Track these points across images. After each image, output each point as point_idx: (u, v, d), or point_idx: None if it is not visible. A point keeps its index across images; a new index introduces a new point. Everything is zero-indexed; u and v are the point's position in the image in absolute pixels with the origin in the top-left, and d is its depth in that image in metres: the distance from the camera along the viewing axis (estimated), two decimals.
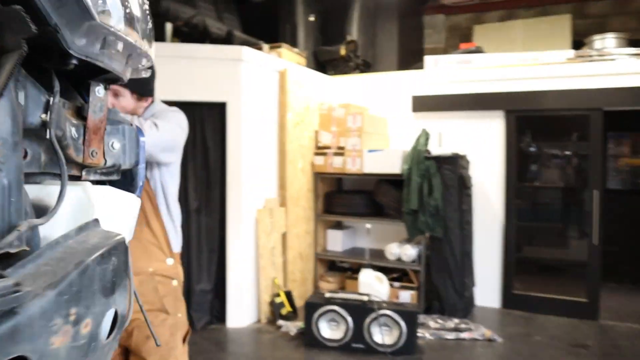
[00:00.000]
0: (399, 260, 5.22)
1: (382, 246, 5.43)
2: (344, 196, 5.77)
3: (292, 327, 4.53)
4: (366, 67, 6.71)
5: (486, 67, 5.49)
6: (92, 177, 0.85)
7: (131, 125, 0.88)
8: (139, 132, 0.89)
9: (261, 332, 4.64)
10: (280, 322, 4.66)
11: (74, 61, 0.64)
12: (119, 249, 0.61)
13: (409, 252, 5.15)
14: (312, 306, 4.22)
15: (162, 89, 4.78)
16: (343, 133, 5.48)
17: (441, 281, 4.97)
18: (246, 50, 4.78)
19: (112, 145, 0.83)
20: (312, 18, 6.55)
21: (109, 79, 0.85)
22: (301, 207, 5.40)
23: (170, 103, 4.96)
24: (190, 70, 4.66)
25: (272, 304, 4.81)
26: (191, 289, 4.59)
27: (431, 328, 4.56)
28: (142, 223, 2.03)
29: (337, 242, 5.78)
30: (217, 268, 4.72)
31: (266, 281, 4.85)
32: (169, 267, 2.10)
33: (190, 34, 5.36)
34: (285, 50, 5.59)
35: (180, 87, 4.65)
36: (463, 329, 4.55)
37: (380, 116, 5.86)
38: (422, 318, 4.66)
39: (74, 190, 0.69)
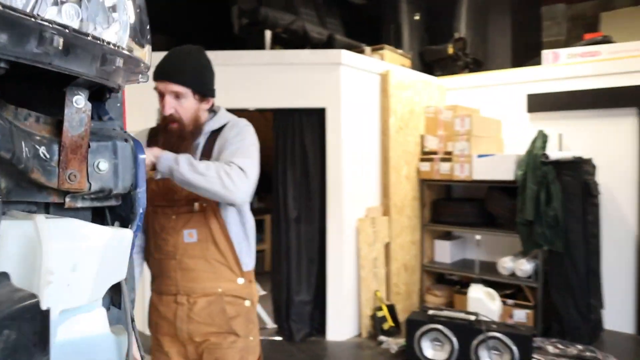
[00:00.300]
0: (513, 275, 4.74)
1: (494, 259, 4.98)
2: (452, 204, 5.39)
3: (394, 343, 4.27)
4: (476, 65, 6.27)
5: (615, 59, 4.84)
6: (79, 204, 0.70)
7: (126, 141, 0.72)
8: (138, 147, 0.72)
9: (361, 347, 4.43)
10: (382, 337, 4.42)
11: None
12: (24, 317, 0.44)
13: (524, 266, 4.66)
14: (415, 323, 3.93)
15: (260, 97, 4.79)
16: (451, 137, 5.12)
17: (562, 300, 4.43)
18: (346, 53, 4.62)
19: (97, 166, 0.67)
20: (417, 17, 6.25)
21: (97, 86, 0.69)
22: (406, 216, 5.12)
23: (269, 110, 4.99)
24: (288, 76, 4.59)
25: (373, 317, 4.57)
26: (290, 300, 4.50)
27: (549, 354, 4.06)
28: (208, 240, 1.89)
29: (445, 253, 5.42)
30: (317, 279, 4.59)
31: (368, 294, 4.63)
32: (239, 287, 1.94)
33: (290, 40, 5.31)
34: (387, 51, 5.36)
35: (279, 94, 4.59)
36: (588, 357, 3.99)
37: (491, 118, 5.41)
38: (538, 341, 4.17)
39: (21, 226, 0.54)
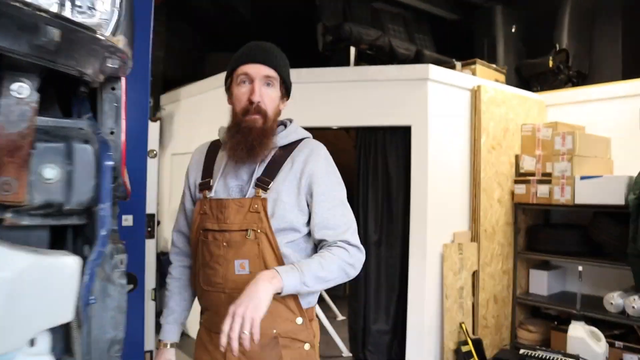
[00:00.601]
0: (623, 313, 4.18)
1: (599, 293, 4.44)
2: (551, 231, 4.90)
3: None
4: (580, 79, 5.74)
5: None
6: (26, 222, 0.56)
7: (87, 142, 0.56)
8: (104, 151, 0.57)
9: None
10: None
11: None
12: None
13: (636, 304, 4.11)
14: None
15: (344, 115, 4.66)
16: (550, 157, 4.68)
17: None
18: (433, 68, 4.38)
19: (42, 173, 0.53)
20: (513, 29, 5.85)
21: (51, 73, 0.55)
22: (497, 242, 4.73)
23: (352, 129, 4.84)
24: (373, 93, 4.42)
25: (457, 352, 4.22)
26: (367, 328, 4.28)
27: None
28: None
29: (541, 284, 4.93)
30: (396, 307, 4.33)
31: (452, 326, 4.30)
32: (298, 328, 1.68)
33: (376, 56, 5.16)
34: (479, 66, 5.03)
35: (362, 112, 4.44)
36: None
37: (598, 136, 4.89)
38: None
39: None
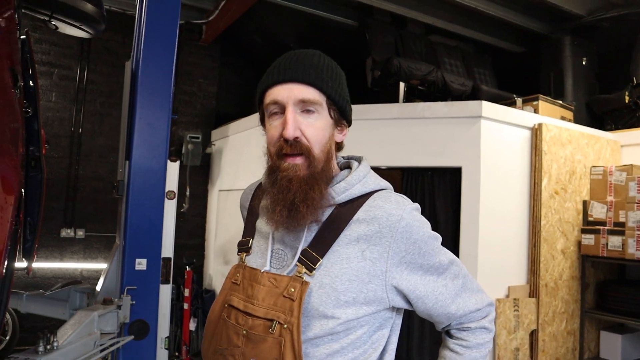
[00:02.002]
0: None
1: None
2: (625, 289, 4.31)
3: None
4: None
5: None
6: None
7: None
8: None
9: None
10: None
11: None
12: None
13: None
14: None
15: (389, 154, 4.38)
16: (623, 205, 4.15)
17: None
18: (487, 105, 4.03)
19: None
20: (584, 62, 5.38)
21: None
22: (561, 298, 4.21)
23: (397, 169, 4.54)
24: (420, 131, 4.13)
25: None
26: None
27: None
28: None
29: (614, 349, 4.32)
30: None
31: None
32: None
33: (430, 92, 4.87)
34: (542, 102, 4.62)
35: (409, 151, 4.14)
36: None
37: None
38: None
39: None
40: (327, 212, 1.20)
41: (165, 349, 3.35)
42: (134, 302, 2.71)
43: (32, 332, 4.89)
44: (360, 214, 1.19)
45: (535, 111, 4.56)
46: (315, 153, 1.17)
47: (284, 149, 1.17)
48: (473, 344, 1.28)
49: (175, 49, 2.90)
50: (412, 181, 4.22)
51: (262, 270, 1.24)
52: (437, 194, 4.13)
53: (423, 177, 4.19)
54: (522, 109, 4.56)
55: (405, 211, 1.19)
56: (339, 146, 1.30)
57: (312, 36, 5.80)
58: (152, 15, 2.85)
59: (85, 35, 2.39)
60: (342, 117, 1.24)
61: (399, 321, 1.31)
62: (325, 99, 1.19)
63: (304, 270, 1.17)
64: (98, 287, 2.84)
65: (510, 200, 4.12)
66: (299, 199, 1.15)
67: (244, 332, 1.20)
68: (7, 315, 4.62)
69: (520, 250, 4.14)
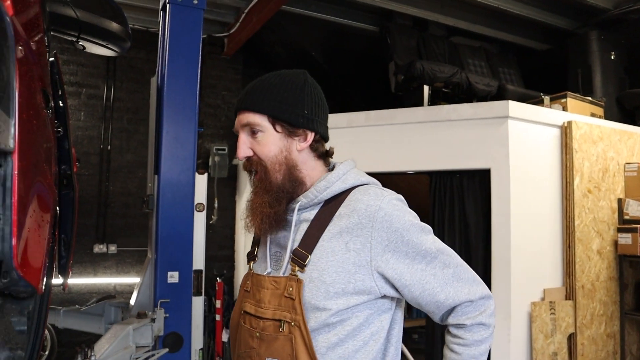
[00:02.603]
0: None
1: None
2: None
3: None
4: None
5: None
6: None
7: None
8: None
9: None
10: None
11: None
12: None
13: None
14: None
15: (415, 158, 4.34)
16: None
17: None
18: (514, 105, 3.96)
19: None
20: (612, 56, 5.26)
21: None
22: (599, 300, 4.10)
23: (424, 173, 4.49)
24: (446, 134, 4.09)
25: None
26: None
27: None
28: None
29: None
30: None
31: None
32: None
33: (455, 94, 4.82)
34: (571, 99, 4.53)
35: (436, 155, 4.10)
36: None
37: None
38: None
39: None
40: (315, 211, 1.31)
41: None
42: (167, 315, 2.73)
43: (69, 346, 4.98)
44: (341, 208, 1.29)
45: (564, 109, 4.47)
46: (267, 166, 1.31)
47: (246, 167, 1.36)
48: (471, 341, 1.27)
49: (199, 63, 2.94)
50: (441, 185, 4.17)
51: (264, 274, 1.33)
52: (466, 197, 4.08)
53: (451, 181, 4.14)
54: (550, 107, 4.48)
55: (383, 201, 1.26)
56: (328, 153, 1.40)
57: (334, 44, 5.81)
58: (175, 31, 2.89)
59: (111, 54, 2.43)
60: (295, 127, 1.32)
61: (400, 313, 1.36)
62: (266, 117, 1.30)
63: (297, 268, 1.26)
64: (132, 301, 2.87)
65: (542, 201, 4.04)
66: (267, 203, 1.29)
67: (257, 334, 1.30)
68: (46, 331, 4.71)
69: (555, 252, 4.05)
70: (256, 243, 1.45)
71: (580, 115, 4.34)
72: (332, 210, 1.30)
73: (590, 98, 4.81)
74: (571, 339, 3.93)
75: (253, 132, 1.32)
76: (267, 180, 1.31)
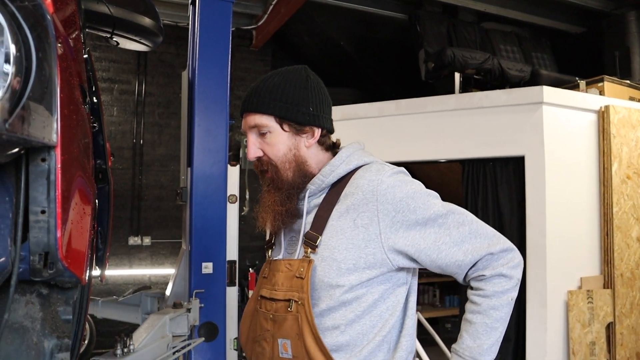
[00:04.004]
0: None
1: None
2: None
3: None
4: None
5: None
6: None
7: None
8: None
9: None
10: None
11: None
12: None
13: None
14: None
15: (447, 147, 4.29)
16: None
17: None
18: (548, 90, 3.88)
19: None
20: None
21: None
22: (638, 289, 3.99)
23: (457, 161, 4.43)
24: (479, 122, 4.03)
25: None
26: None
27: None
28: (304, 359, 1.28)
29: None
30: None
31: None
32: None
33: (487, 81, 4.74)
34: (608, 83, 4.40)
35: (468, 143, 4.05)
36: None
37: None
38: None
39: None
40: (324, 195, 1.36)
41: (235, 350, 3.41)
42: (202, 305, 2.77)
43: (107, 336, 5.11)
44: (347, 188, 1.32)
45: (601, 93, 4.35)
46: (278, 165, 1.35)
47: (257, 167, 1.41)
48: (491, 292, 1.24)
49: (229, 56, 2.95)
50: (474, 173, 4.12)
51: (276, 258, 1.40)
52: (500, 185, 4.02)
53: (485, 169, 4.08)
54: (586, 92, 4.36)
55: (384, 175, 1.28)
56: (335, 145, 1.44)
57: (362, 33, 5.77)
58: (205, 25, 2.91)
59: (144, 49, 2.47)
60: (302, 125, 1.35)
61: (415, 284, 1.37)
62: (273, 118, 1.33)
63: (309, 249, 1.30)
64: (167, 292, 2.92)
65: (578, 188, 3.95)
66: (284, 198, 1.34)
67: (271, 316, 1.34)
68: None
69: (592, 240, 3.96)
70: (273, 232, 1.49)
71: (618, 99, 4.22)
72: (339, 191, 1.33)
73: (628, 81, 4.67)
74: (610, 328, 3.85)
75: (261, 133, 1.35)
76: (278, 179, 1.36)
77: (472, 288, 1.30)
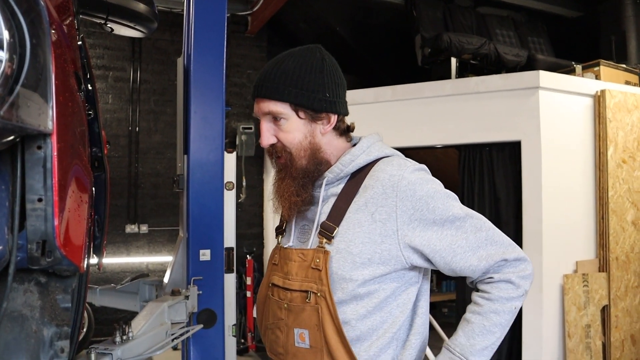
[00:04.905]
0: None
1: None
2: None
3: None
4: None
5: None
6: None
7: None
8: None
9: None
10: None
11: None
12: None
13: None
14: None
15: (444, 132, 4.29)
16: None
17: None
18: (544, 75, 3.87)
19: None
20: None
21: None
22: (633, 272, 4.03)
23: (453, 147, 4.43)
24: (475, 107, 4.03)
25: None
26: None
27: None
28: (322, 350, 1.27)
29: None
30: (509, 345, 3.84)
31: None
32: None
33: (483, 66, 4.73)
34: (604, 67, 4.40)
35: (465, 128, 4.05)
36: None
37: None
38: None
39: None
40: (341, 185, 1.32)
41: (233, 336, 3.43)
42: (200, 292, 2.77)
43: (105, 324, 5.13)
44: (366, 180, 1.29)
45: (597, 77, 4.35)
46: (292, 152, 1.31)
47: (271, 153, 1.35)
48: (495, 296, 1.21)
49: (225, 42, 2.93)
50: (470, 158, 4.13)
51: (286, 246, 1.37)
52: (496, 170, 4.03)
53: (481, 154, 4.09)
54: (583, 76, 4.37)
55: (406, 171, 1.26)
56: (349, 128, 1.40)
57: (358, 18, 5.73)
58: (200, 11, 2.88)
59: (139, 35, 2.44)
60: (318, 112, 1.32)
61: (427, 285, 1.35)
62: (289, 105, 1.29)
63: (325, 240, 1.28)
64: (165, 279, 2.93)
65: (574, 172, 3.97)
66: (294, 191, 1.30)
67: (285, 305, 1.33)
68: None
69: (588, 224, 3.99)
70: (284, 217, 1.46)
71: (614, 84, 4.22)
72: (358, 182, 1.30)
73: (624, 65, 4.67)
74: (605, 311, 3.88)
75: (275, 119, 1.31)
76: (292, 167, 1.31)
77: (477, 290, 1.28)
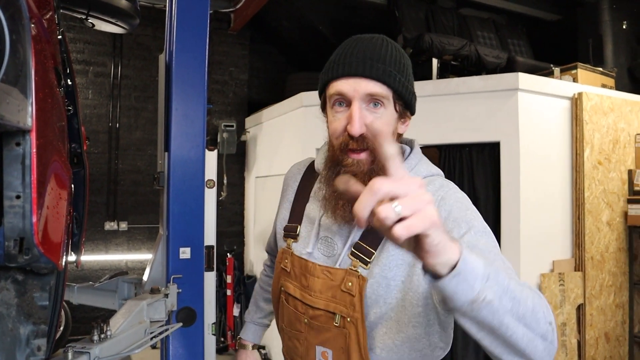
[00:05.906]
0: None
1: None
2: None
3: None
4: None
5: None
6: None
7: None
8: None
9: None
10: None
11: None
12: None
13: None
14: None
15: (424, 132, 4.32)
16: None
17: None
18: (524, 77, 3.92)
19: None
20: (624, 26, 5.17)
21: None
22: (608, 271, 4.11)
23: (433, 147, 4.48)
24: (455, 108, 4.06)
25: None
26: None
27: None
28: None
29: None
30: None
31: None
32: None
33: (464, 67, 4.77)
34: (581, 70, 4.47)
35: (445, 128, 4.09)
36: None
37: None
38: None
39: None
40: None
41: (213, 334, 3.42)
42: (180, 290, 2.76)
43: (83, 322, 5.07)
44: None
45: (575, 80, 4.42)
46: (382, 147, 1.12)
47: (349, 145, 1.15)
48: (520, 282, 0.96)
49: (207, 39, 2.92)
50: (450, 158, 4.16)
51: (303, 255, 1.27)
52: (476, 170, 4.07)
53: (461, 154, 4.13)
54: (561, 79, 4.43)
55: (448, 193, 1.18)
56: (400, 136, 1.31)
57: (341, 18, 5.74)
58: (183, 7, 2.86)
59: (121, 31, 2.42)
60: (406, 109, 1.23)
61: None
62: (392, 93, 1.16)
63: (359, 264, 1.17)
64: (145, 277, 2.90)
65: (552, 173, 4.03)
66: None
67: (306, 320, 1.24)
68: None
69: (564, 224, 4.06)
70: (298, 219, 1.35)
71: (591, 87, 4.29)
72: None
73: (601, 69, 4.76)
74: (580, 309, 3.96)
75: (375, 104, 1.16)
76: (374, 165, 1.15)
77: None
